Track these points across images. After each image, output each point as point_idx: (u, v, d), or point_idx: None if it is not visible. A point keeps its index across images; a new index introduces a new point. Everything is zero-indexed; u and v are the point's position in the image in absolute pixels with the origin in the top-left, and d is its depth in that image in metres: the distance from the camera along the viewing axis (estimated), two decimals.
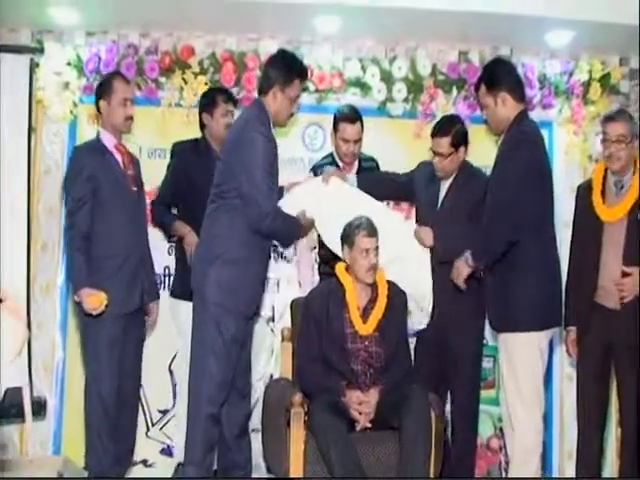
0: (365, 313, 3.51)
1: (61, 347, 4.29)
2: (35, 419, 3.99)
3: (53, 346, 4.28)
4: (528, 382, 3.36)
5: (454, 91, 4.46)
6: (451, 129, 3.73)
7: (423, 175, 3.88)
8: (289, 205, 3.57)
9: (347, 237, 3.50)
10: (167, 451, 4.30)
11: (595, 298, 3.52)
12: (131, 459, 3.83)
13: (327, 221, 3.67)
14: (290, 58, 3.51)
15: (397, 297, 3.57)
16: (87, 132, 4.23)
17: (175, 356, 4.22)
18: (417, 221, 3.90)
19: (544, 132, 3.68)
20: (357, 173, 3.99)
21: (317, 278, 4.02)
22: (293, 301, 3.85)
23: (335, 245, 3.64)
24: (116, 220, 3.55)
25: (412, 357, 3.67)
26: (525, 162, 3.31)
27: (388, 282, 3.56)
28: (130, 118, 3.66)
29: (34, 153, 4.29)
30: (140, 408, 4.04)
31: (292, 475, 3.27)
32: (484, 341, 3.93)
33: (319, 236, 3.73)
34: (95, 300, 3.40)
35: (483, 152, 4.14)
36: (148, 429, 4.31)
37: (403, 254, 3.70)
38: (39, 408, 4.12)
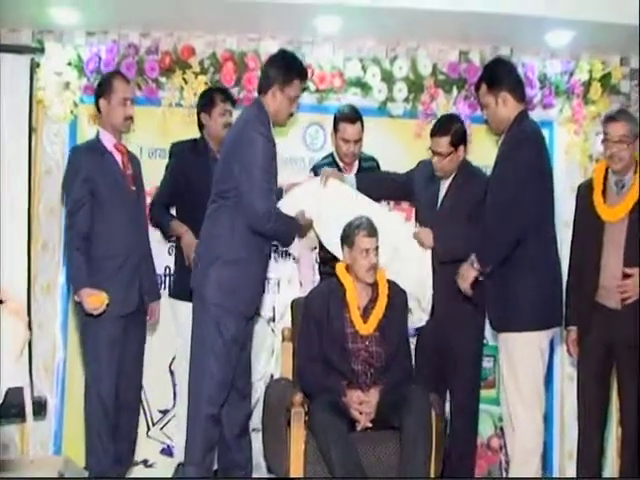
0: (365, 313, 3.51)
1: (62, 347, 4.28)
2: (36, 419, 3.99)
3: (54, 346, 4.28)
4: (528, 382, 3.36)
5: (455, 91, 4.45)
6: (450, 128, 3.72)
7: (423, 174, 3.87)
8: (288, 206, 3.56)
9: (347, 237, 3.50)
10: (167, 451, 4.30)
11: (596, 298, 3.52)
12: (132, 459, 3.83)
13: (325, 222, 3.67)
14: (290, 58, 3.51)
15: (398, 296, 3.57)
16: (88, 132, 4.22)
17: (175, 356, 4.21)
18: (417, 221, 3.90)
19: (544, 132, 3.67)
20: (357, 173, 3.98)
21: (318, 278, 4.03)
22: (293, 301, 3.85)
23: (333, 246, 3.64)
24: (116, 220, 3.54)
25: (413, 357, 3.67)
26: (525, 162, 3.31)
27: (388, 281, 3.56)
28: (130, 118, 3.65)
29: (35, 153, 4.29)
30: (140, 408, 4.03)
31: (292, 475, 3.27)
32: (484, 341, 3.93)
33: (318, 237, 3.74)
34: (96, 300, 3.40)
35: (483, 152, 4.15)
36: (148, 429, 4.30)
37: (403, 254, 3.70)
38: (40, 408, 4.12)
